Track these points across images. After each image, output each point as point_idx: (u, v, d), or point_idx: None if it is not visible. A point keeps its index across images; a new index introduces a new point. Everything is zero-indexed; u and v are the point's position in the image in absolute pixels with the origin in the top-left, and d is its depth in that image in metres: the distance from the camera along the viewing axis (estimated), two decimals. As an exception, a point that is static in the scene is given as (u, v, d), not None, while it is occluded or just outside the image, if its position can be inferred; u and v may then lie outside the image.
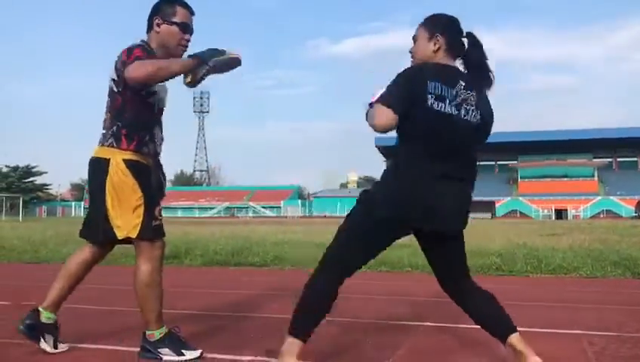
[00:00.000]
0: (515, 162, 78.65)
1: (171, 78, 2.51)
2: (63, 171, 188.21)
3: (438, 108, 2.22)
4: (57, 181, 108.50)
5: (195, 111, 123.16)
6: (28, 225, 25.76)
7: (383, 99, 2.20)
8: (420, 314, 3.95)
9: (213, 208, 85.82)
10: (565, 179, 72.59)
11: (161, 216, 2.74)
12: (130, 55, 2.51)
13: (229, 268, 7.18)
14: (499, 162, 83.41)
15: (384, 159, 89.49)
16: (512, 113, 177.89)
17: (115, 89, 2.63)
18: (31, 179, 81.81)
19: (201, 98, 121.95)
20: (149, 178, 2.70)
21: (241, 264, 7.34)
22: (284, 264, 7.23)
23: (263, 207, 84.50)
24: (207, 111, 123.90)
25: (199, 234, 13.83)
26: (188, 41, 2.71)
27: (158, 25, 2.67)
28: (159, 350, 2.64)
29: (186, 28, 2.70)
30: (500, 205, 67.63)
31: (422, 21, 2.45)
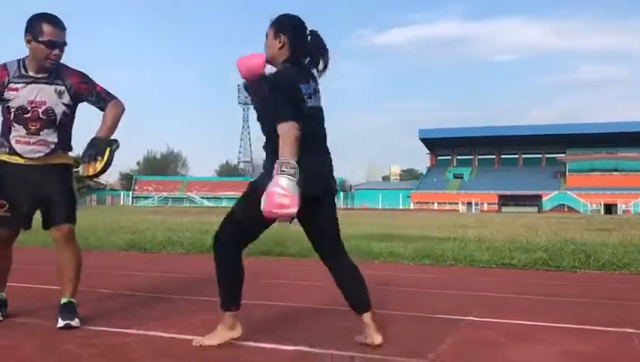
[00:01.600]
0: (563, 155, 76.63)
1: None
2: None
3: (312, 105, 2.70)
4: (107, 170, 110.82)
5: (239, 103, 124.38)
6: (78, 213, 26.58)
7: (281, 119, 2.53)
8: (463, 307, 3.89)
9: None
10: (615, 173, 70.37)
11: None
12: None
13: (273, 257, 7.24)
14: (546, 155, 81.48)
15: (427, 151, 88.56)
16: (561, 104, 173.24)
17: None
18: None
19: (246, 89, 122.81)
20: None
21: (285, 254, 7.38)
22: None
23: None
24: (252, 103, 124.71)
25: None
26: (56, 55, 2.98)
27: (29, 42, 2.96)
28: None
29: (53, 45, 2.95)
30: (547, 199, 66.02)
31: (271, 20, 2.79)
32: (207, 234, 9.40)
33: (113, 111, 3.17)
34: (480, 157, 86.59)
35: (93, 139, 3.01)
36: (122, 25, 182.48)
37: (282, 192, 2.42)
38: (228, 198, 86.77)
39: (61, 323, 2.98)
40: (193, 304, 3.93)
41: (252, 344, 2.78)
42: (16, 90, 2.98)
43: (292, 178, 2.45)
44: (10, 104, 3.00)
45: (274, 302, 3.98)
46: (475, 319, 3.54)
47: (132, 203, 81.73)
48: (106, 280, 4.92)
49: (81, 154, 2.99)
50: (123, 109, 3.22)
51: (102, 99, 3.18)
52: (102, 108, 3.19)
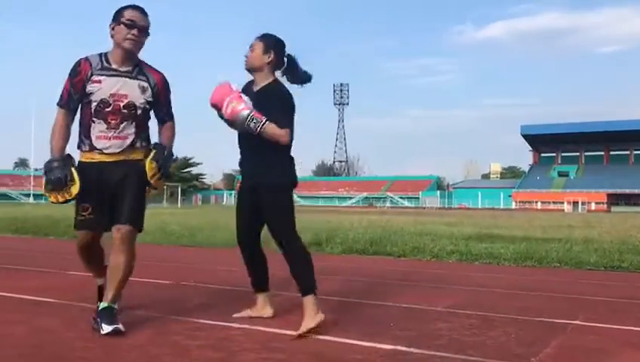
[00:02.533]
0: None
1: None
2: (216, 162, 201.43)
3: None
4: (211, 171, 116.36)
5: (335, 104, 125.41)
6: (185, 212, 27.98)
7: (286, 126, 3.09)
8: (569, 311, 3.73)
9: (351, 198, 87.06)
10: None
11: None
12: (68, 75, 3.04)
13: (368, 256, 7.27)
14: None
15: (530, 148, 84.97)
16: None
17: None
18: (188, 169, 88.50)
19: (341, 90, 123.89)
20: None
21: (379, 253, 7.39)
22: (423, 255, 7.17)
23: (401, 198, 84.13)
24: (347, 103, 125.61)
25: (339, 223, 14.14)
26: (135, 35, 2.98)
27: (112, 28, 3.02)
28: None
29: (132, 25, 2.97)
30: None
31: (259, 35, 3.23)
32: (304, 233, 9.57)
33: (169, 134, 3.26)
34: (587, 154, 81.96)
35: (161, 147, 3.14)
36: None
37: (244, 105, 3.02)
38: (324, 197, 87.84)
39: (108, 328, 2.81)
40: (293, 300, 4.03)
41: (350, 341, 2.83)
42: (99, 82, 2.96)
43: (250, 117, 3.00)
44: (92, 97, 2.96)
45: (367, 301, 4.01)
46: (582, 323, 3.39)
47: (234, 202, 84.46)
48: (211, 276, 5.16)
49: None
50: (174, 135, 3.30)
51: (166, 113, 3.23)
52: (161, 122, 3.24)
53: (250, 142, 3.17)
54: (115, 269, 2.98)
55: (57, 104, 3.01)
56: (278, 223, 3.23)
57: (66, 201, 2.95)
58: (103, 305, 2.94)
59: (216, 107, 3.11)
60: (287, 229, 3.24)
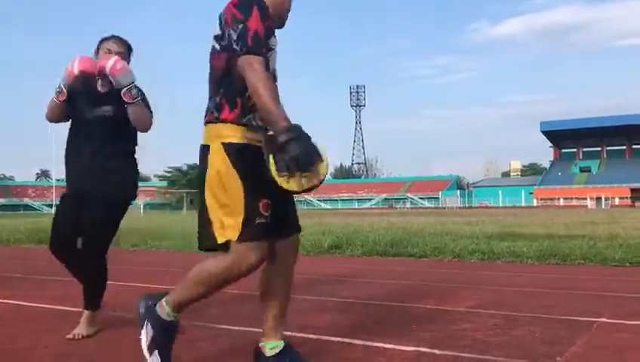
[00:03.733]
0: None
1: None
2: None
3: None
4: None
5: (352, 106, 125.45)
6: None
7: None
8: (594, 309, 3.68)
9: (371, 199, 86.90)
10: None
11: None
12: (245, 23, 2.04)
13: (388, 258, 7.25)
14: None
15: (550, 145, 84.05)
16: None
17: (218, 46, 2.18)
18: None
19: (357, 92, 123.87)
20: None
21: (400, 254, 7.37)
22: (444, 255, 7.13)
23: (421, 198, 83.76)
24: (364, 105, 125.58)
25: (359, 225, 14.12)
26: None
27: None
28: None
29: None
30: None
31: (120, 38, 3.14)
32: (325, 236, 9.59)
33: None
34: (609, 148, 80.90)
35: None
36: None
37: (122, 65, 2.91)
38: (343, 200, 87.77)
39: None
40: (315, 304, 4.04)
41: (373, 344, 2.82)
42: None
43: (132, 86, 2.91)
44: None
45: (389, 303, 4.00)
46: (609, 321, 3.33)
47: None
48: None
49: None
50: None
51: None
52: None
53: (92, 137, 2.98)
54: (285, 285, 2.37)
55: (255, 52, 2.00)
56: (97, 239, 3.00)
57: (310, 190, 1.94)
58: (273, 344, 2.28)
59: (84, 74, 2.94)
60: (104, 247, 3.03)
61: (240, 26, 2.02)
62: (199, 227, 2.15)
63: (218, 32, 2.14)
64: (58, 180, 78.14)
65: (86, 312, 3.06)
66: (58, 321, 3.40)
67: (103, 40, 3.12)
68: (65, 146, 3.09)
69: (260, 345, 2.30)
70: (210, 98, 2.17)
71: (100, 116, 2.98)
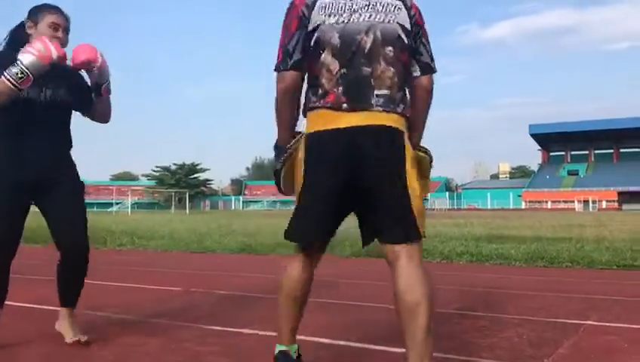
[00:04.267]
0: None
1: None
2: (223, 168, 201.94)
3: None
4: (219, 177, 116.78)
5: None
6: (194, 218, 28.06)
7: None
8: (581, 311, 3.70)
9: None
10: None
11: None
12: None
13: (378, 259, 7.24)
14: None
15: (539, 148, 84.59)
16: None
17: (406, 40, 2.07)
18: (195, 175, 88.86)
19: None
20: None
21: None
22: (433, 257, 7.15)
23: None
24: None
25: (348, 226, 14.09)
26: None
27: None
28: None
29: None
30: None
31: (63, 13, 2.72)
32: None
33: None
34: (597, 151, 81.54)
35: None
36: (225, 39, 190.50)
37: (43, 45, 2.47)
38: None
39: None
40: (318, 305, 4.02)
41: (364, 345, 2.81)
42: None
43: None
44: None
45: (378, 304, 3.99)
46: (595, 323, 3.35)
47: (242, 207, 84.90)
48: (221, 282, 5.16)
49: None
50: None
51: None
52: None
53: (48, 122, 2.67)
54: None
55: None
56: (83, 223, 2.74)
57: None
58: None
59: (88, 63, 2.63)
60: (85, 231, 2.77)
61: (430, 45, 2.15)
62: (396, 218, 1.96)
63: (408, 26, 2.06)
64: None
65: (68, 310, 2.84)
66: (43, 320, 3.37)
67: (43, 10, 2.64)
68: None
69: None
70: (381, 84, 2.00)
71: (56, 101, 2.67)
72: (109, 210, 62.87)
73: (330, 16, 1.99)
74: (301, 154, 2.05)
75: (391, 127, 1.98)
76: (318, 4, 2.01)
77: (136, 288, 4.75)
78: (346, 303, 4.04)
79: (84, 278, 2.84)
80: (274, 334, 3.03)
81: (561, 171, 79.33)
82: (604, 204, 64.58)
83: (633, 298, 4.29)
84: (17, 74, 2.43)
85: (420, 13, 2.11)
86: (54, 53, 2.49)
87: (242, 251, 8.40)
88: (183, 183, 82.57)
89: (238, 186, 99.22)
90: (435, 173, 2.70)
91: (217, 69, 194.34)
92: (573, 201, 66.29)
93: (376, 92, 1.98)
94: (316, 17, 2.00)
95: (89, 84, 2.77)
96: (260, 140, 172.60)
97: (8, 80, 2.43)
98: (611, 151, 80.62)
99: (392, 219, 1.97)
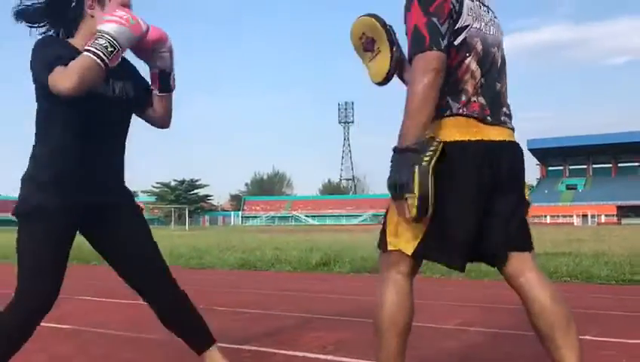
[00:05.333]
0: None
1: None
2: (223, 184, 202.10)
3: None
4: (218, 192, 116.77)
5: (340, 122, 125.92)
6: (193, 233, 28.02)
7: None
8: (580, 326, 3.70)
9: (359, 216, 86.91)
10: None
11: None
12: None
13: (377, 275, 7.24)
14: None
15: (537, 162, 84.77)
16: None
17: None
18: (195, 191, 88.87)
19: (346, 109, 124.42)
20: None
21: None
22: (432, 272, 7.14)
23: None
24: (352, 122, 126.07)
25: (347, 242, 14.12)
26: None
27: None
28: None
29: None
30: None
31: None
32: (312, 252, 9.59)
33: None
34: (595, 166, 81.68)
35: None
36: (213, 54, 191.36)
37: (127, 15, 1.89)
38: (331, 216, 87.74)
39: None
40: (302, 321, 4.04)
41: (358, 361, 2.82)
42: None
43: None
44: None
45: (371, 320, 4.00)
46: (594, 339, 3.36)
47: (241, 222, 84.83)
48: (220, 298, 5.16)
49: None
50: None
51: None
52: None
53: (114, 124, 2.10)
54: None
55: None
56: (157, 248, 2.31)
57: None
58: None
59: (161, 41, 2.06)
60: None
61: None
62: (523, 232, 1.98)
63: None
64: None
65: (212, 351, 2.27)
66: (41, 340, 3.38)
67: None
68: (46, 136, 1.99)
69: None
70: (506, 102, 1.98)
71: (124, 97, 2.07)
72: (107, 226, 62.70)
73: (475, 20, 1.88)
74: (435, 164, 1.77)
75: (519, 144, 1.99)
76: (465, 3, 1.86)
77: (135, 304, 4.76)
78: (339, 319, 4.04)
79: (196, 309, 2.34)
80: (273, 351, 3.04)
81: (559, 186, 79.40)
82: (603, 218, 64.56)
83: (632, 313, 4.30)
84: (107, 47, 1.81)
85: None
86: (144, 23, 1.93)
87: (241, 267, 8.40)
88: (182, 199, 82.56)
89: (237, 202, 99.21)
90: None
91: (217, 85, 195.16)
92: (572, 216, 66.26)
93: (504, 109, 1.95)
94: (465, 17, 1.85)
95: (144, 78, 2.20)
96: (257, 156, 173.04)
97: (96, 54, 1.79)
98: (610, 165, 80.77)
99: (521, 232, 1.95)
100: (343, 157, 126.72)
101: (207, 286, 6.40)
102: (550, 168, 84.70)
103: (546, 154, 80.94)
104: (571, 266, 7.06)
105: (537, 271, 1.98)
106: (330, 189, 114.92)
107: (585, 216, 64.91)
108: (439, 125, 1.86)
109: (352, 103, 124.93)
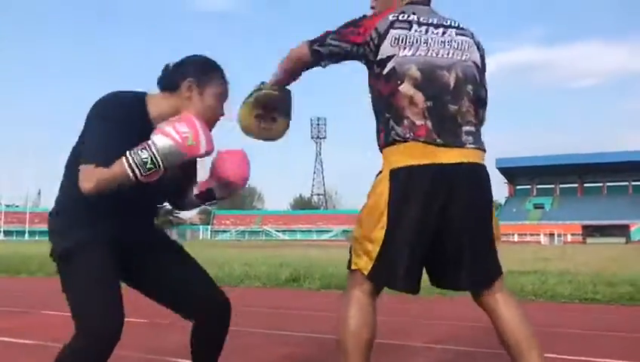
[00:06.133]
0: (652, 182, 72.47)
1: None
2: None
3: None
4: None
5: (312, 138, 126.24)
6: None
7: None
8: (543, 344, 3.77)
9: (330, 231, 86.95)
10: None
11: None
12: None
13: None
14: (633, 183, 77.44)
15: (505, 181, 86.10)
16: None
17: (479, 78, 2.06)
18: (163, 204, 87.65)
19: (318, 125, 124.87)
20: None
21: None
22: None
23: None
24: (324, 137, 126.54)
25: (317, 258, 14.10)
26: None
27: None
28: None
29: None
30: (636, 229, 62.50)
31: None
32: (282, 268, 9.55)
33: None
34: (562, 186, 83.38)
35: None
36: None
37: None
38: (302, 231, 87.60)
39: None
40: (272, 338, 4.02)
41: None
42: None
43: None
44: None
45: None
46: (557, 356, 3.43)
47: (211, 237, 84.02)
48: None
49: None
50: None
51: None
52: None
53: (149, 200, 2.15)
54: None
55: None
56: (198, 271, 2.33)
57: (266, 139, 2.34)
58: None
59: (237, 186, 2.16)
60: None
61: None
62: (486, 261, 2.02)
63: (479, 63, 2.06)
64: (8, 206, 75.68)
65: None
66: (6, 356, 3.30)
67: (215, 73, 1.99)
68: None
69: None
70: (468, 121, 1.97)
71: (168, 183, 2.04)
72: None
73: (404, 49, 1.92)
74: (384, 190, 1.88)
75: (482, 165, 1.99)
76: (390, 35, 1.93)
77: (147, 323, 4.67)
78: (308, 336, 4.04)
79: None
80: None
81: (527, 204, 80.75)
82: (569, 238, 65.76)
83: (594, 331, 4.39)
84: (146, 163, 1.71)
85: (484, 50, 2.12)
86: (203, 146, 1.78)
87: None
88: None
89: (207, 215, 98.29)
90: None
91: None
92: (539, 234, 67.35)
93: (464, 128, 1.93)
94: (388, 49, 1.92)
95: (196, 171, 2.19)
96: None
97: (130, 166, 1.70)
98: (576, 185, 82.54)
99: (481, 265, 1.99)
100: (314, 173, 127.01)
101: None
102: (518, 187, 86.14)
103: (514, 174, 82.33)
104: (537, 285, 7.17)
105: (504, 291, 2.06)
106: (302, 204, 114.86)
107: (552, 234, 66.05)
108: (388, 152, 1.93)
109: (325, 119, 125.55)
